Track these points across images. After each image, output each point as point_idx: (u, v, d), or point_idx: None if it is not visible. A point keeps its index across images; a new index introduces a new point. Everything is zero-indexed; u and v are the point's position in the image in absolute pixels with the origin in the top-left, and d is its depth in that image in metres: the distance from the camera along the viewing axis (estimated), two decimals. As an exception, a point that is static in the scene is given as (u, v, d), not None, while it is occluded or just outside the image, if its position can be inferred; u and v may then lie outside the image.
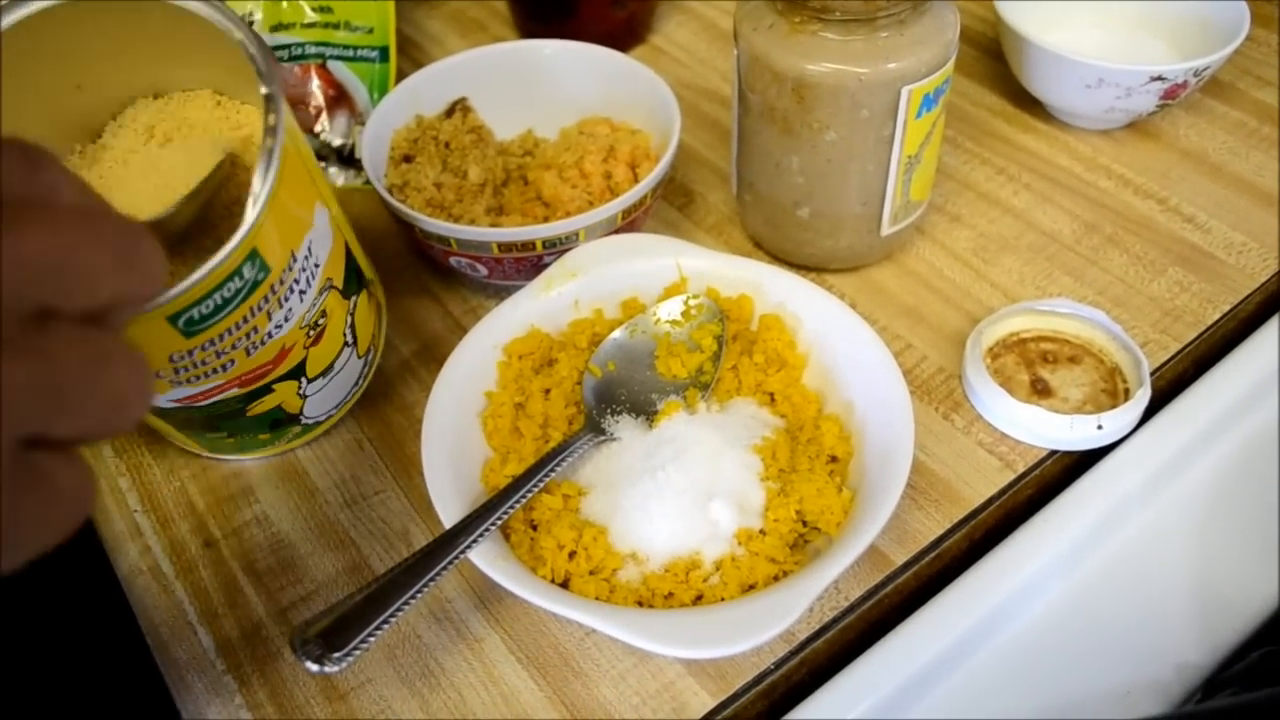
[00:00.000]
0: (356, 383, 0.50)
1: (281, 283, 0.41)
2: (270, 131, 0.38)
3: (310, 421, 0.49)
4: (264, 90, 0.38)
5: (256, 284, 0.39)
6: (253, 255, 0.38)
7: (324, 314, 0.45)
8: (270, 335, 0.42)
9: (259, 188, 0.38)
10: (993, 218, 0.60)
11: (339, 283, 0.45)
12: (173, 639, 0.45)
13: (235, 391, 0.43)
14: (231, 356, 0.41)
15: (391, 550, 0.47)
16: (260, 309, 0.40)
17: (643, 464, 0.44)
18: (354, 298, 0.47)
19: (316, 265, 0.43)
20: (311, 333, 0.44)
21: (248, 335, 0.41)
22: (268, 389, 0.44)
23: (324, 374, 0.47)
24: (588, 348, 0.49)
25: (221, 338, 0.40)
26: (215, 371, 0.41)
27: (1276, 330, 0.54)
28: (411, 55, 0.74)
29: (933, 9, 0.48)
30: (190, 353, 0.39)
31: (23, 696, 0.48)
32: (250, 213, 0.37)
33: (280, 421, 0.47)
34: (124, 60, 0.45)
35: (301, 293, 0.42)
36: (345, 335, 0.47)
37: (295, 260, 0.41)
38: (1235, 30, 0.60)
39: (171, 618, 0.45)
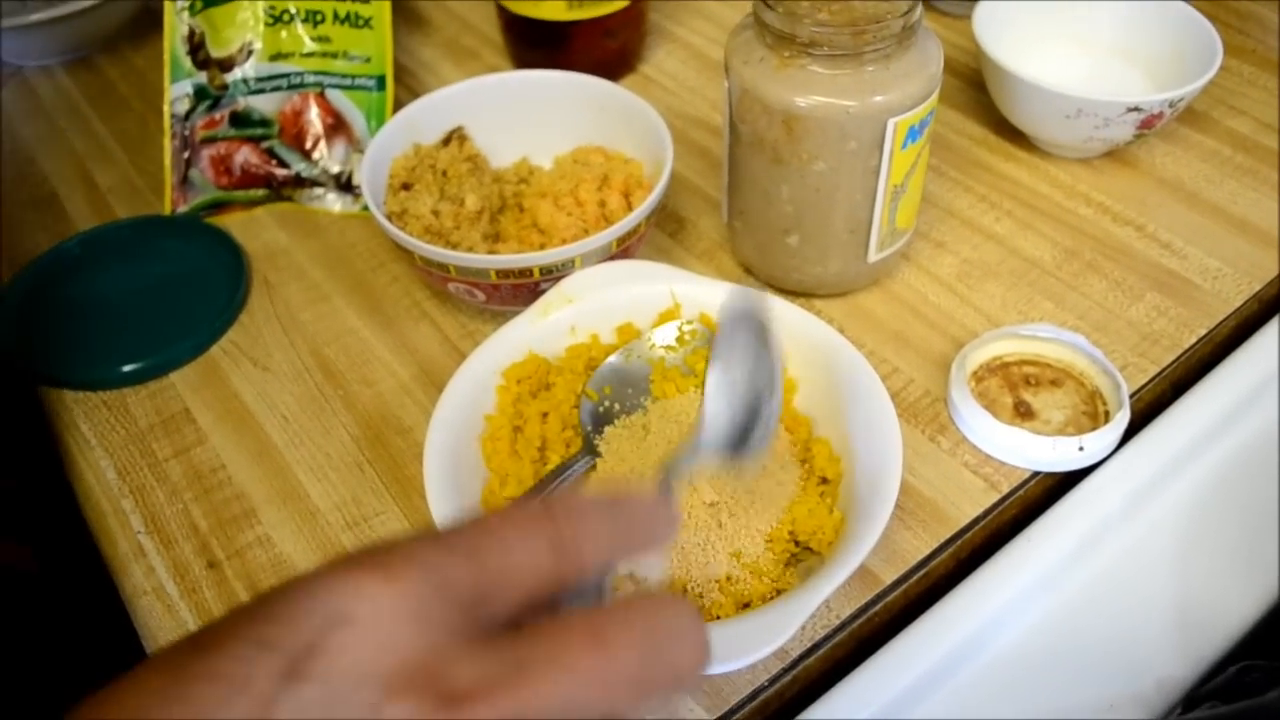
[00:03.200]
0: None
1: None
2: None
3: None
4: None
5: None
6: None
7: None
8: None
9: None
10: (976, 244, 0.62)
11: None
12: (177, 659, 0.45)
13: None
14: None
15: (392, 571, 0.48)
16: None
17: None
18: None
19: None
20: None
21: None
22: None
23: None
24: (584, 372, 0.50)
25: None
26: None
27: (1251, 353, 0.56)
28: (406, 83, 0.75)
29: (917, 43, 0.50)
30: None
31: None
32: None
33: None
34: None
35: None
36: None
37: None
38: (1209, 61, 0.62)
39: (176, 638, 0.46)
